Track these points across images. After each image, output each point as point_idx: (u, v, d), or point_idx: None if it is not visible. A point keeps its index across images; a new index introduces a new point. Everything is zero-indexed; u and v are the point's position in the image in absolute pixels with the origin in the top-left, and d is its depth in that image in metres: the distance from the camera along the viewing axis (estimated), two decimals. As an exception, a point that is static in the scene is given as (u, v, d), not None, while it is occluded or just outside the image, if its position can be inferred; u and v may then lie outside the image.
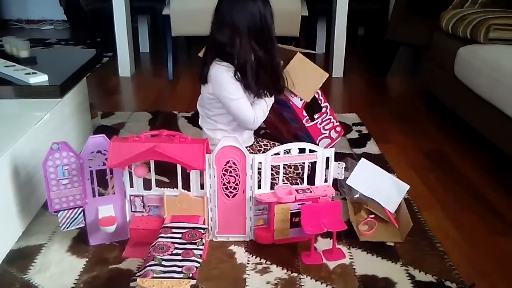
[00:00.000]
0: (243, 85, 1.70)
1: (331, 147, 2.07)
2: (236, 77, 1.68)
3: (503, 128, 1.99)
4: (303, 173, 1.61)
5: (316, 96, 2.02)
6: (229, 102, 1.71)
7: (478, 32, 2.30)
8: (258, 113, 1.76)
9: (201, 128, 1.92)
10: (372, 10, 3.98)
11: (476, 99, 2.20)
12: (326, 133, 2.09)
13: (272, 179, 1.60)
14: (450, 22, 2.54)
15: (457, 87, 2.40)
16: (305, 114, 2.00)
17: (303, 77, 1.90)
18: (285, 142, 2.23)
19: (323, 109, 2.05)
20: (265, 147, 1.94)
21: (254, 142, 1.94)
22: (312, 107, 2.03)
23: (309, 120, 2.02)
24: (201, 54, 1.96)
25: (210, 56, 1.72)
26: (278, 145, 1.98)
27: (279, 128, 2.26)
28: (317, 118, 2.04)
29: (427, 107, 2.89)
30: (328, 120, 2.08)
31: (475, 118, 2.28)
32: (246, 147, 1.83)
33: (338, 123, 2.13)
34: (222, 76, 1.68)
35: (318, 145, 2.04)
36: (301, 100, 1.95)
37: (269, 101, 1.81)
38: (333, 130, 2.11)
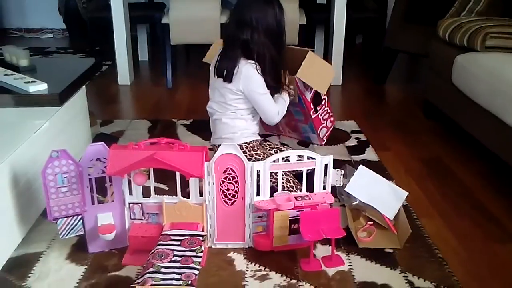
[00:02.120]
0: (264, 80, 1.84)
1: (328, 135, 2.35)
2: (260, 73, 1.82)
3: (501, 135, 2.00)
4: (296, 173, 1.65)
5: None
6: (259, 96, 1.85)
7: (475, 40, 2.31)
8: (280, 108, 1.93)
9: (202, 135, 1.95)
10: (370, 18, 4.00)
11: (473, 106, 2.21)
12: (324, 123, 2.32)
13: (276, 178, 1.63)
14: (447, 31, 2.55)
15: (454, 94, 2.41)
16: (312, 106, 2.18)
17: (317, 73, 2.08)
18: (280, 134, 2.46)
19: (323, 101, 2.25)
20: (270, 145, 2.01)
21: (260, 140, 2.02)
22: (315, 100, 2.19)
23: (314, 112, 2.20)
24: (205, 60, 2.05)
25: (236, 54, 1.82)
26: (280, 146, 2.03)
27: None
28: (319, 109, 2.25)
29: (425, 114, 2.90)
30: (326, 111, 2.30)
31: (472, 125, 2.29)
32: (256, 141, 1.93)
33: (332, 114, 2.36)
34: (253, 73, 1.81)
35: (318, 134, 2.31)
36: (310, 93, 2.12)
37: (286, 99, 1.97)
38: (328, 120, 2.35)
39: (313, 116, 2.22)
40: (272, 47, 1.83)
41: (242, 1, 1.88)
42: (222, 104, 1.89)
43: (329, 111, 2.32)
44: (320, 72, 2.10)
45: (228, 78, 1.84)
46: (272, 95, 1.91)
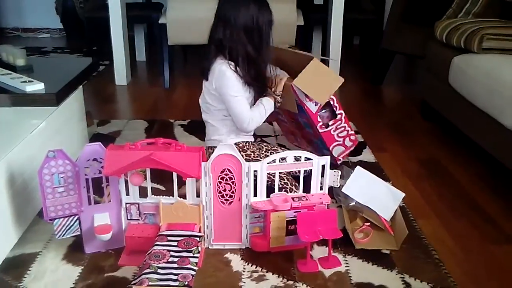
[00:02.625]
0: (242, 80, 1.78)
1: (345, 155, 2.14)
2: (237, 73, 1.77)
3: (498, 136, 2.00)
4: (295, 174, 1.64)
5: (332, 102, 2.05)
6: (230, 99, 1.78)
7: (472, 41, 2.32)
8: (254, 115, 1.82)
9: (199, 135, 1.94)
10: (367, 19, 4.01)
11: (470, 107, 2.22)
12: (340, 141, 2.09)
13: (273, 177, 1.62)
14: (444, 32, 2.56)
15: (451, 96, 2.41)
16: (319, 119, 2.01)
17: (318, 81, 1.93)
18: (299, 147, 2.26)
19: (338, 116, 2.07)
20: (266, 147, 1.98)
21: (257, 140, 1.98)
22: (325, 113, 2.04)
23: (323, 126, 2.03)
24: None
25: (212, 52, 1.80)
26: (277, 147, 2.01)
27: (294, 134, 2.27)
28: (332, 125, 2.05)
29: (422, 115, 2.91)
30: (343, 128, 2.09)
31: (469, 126, 2.30)
32: (246, 142, 1.89)
33: (353, 132, 2.13)
34: (225, 73, 1.76)
35: (331, 152, 2.08)
36: (315, 105, 1.97)
37: (267, 106, 1.86)
38: (347, 138, 2.11)
39: (321, 131, 2.02)
40: (249, 44, 1.76)
41: None
42: (206, 104, 1.87)
43: (347, 127, 2.10)
44: (323, 81, 1.95)
45: (205, 76, 1.83)
46: (255, 97, 1.85)
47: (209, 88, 1.82)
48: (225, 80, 1.77)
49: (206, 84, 1.85)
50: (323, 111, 2.07)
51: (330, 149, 2.08)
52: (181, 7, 3.29)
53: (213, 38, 1.80)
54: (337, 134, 2.08)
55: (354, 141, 2.15)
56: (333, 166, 1.97)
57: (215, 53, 1.80)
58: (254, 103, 1.87)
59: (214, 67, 1.79)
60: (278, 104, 1.92)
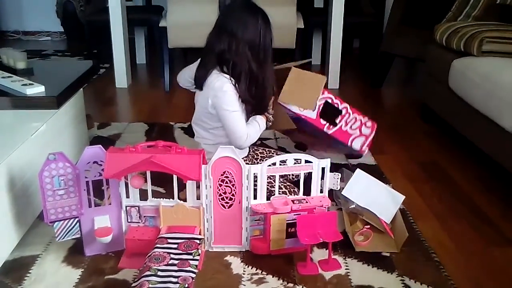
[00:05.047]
0: (239, 95, 1.71)
1: (369, 144, 2.07)
2: (235, 88, 1.70)
3: (497, 139, 2.01)
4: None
5: (330, 101, 1.98)
6: (226, 114, 1.71)
7: (472, 45, 2.32)
8: (250, 131, 1.75)
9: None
10: (367, 22, 4.02)
11: (470, 110, 2.22)
12: (356, 133, 2.04)
13: (271, 186, 1.61)
14: (444, 35, 2.57)
15: (451, 98, 2.42)
16: (323, 122, 1.96)
17: (303, 89, 1.90)
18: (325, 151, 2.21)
19: (343, 111, 2.01)
20: (262, 155, 1.95)
21: (250, 151, 1.95)
22: (329, 113, 1.99)
23: (330, 126, 1.98)
24: None
25: (210, 62, 1.74)
26: (274, 151, 2.00)
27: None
28: (340, 122, 2.00)
29: (422, 118, 2.91)
30: (354, 120, 2.03)
31: (469, 129, 2.30)
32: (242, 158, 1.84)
33: (366, 119, 2.07)
34: (223, 87, 1.69)
35: (351, 147, 2.04)
36: (313, 110, 1.93)
37: (261, 123, 1.81)
38: (363, 127, 2.05)
39: (330, 132, 1.97)
40: (253, 61, 1.69)
41: (226, 8, 1.76)
42: (202, 124, 1.82)
43: (359, 117, 2.03)
44: (307, 87, 1.90)
45: (199, 86, 1.77)
46: (248, 116, 1.79)
47: (205, 105, 1.75)
48: (222, 94, 1.69)
49: (201, 103, 1.78)
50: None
51: (349, 144, 2.02)
52: (181, 10, 3.30)
53: (214, 48, 1.71)
54: (350, 127, 2.02)
55: (371, 127, 2.07)
56: (336, 168, 1.97)
57: (214, 64, 1.72)
58: (246, 121, 1.79)
59: (211, 81, 1.71)
60: (270, 124, 1.88)
